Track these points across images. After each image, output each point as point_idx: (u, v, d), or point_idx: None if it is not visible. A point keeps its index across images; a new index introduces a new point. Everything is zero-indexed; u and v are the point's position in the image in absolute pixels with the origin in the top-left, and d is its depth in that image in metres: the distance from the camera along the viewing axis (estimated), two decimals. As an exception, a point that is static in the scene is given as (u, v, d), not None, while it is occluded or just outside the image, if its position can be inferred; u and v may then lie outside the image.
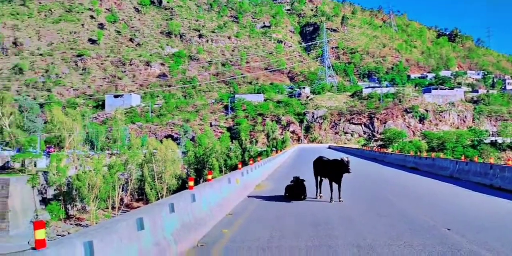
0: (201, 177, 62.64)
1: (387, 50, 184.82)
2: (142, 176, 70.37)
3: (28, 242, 57.82)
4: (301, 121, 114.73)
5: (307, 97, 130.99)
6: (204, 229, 9.12)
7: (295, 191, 14.00)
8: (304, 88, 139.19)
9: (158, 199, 67.98)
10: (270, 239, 8.60)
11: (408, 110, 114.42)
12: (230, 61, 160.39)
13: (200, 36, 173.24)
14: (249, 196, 14.91)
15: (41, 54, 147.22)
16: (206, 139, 76.20)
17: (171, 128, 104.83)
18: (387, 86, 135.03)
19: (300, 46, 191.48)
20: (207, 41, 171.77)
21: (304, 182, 14.10)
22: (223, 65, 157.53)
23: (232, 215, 11.23)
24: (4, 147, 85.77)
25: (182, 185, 62.48)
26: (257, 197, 14.64)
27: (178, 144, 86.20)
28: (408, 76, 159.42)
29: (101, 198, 63.19)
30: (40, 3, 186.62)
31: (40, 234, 4.94)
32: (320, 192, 14.29)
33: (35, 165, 71.89)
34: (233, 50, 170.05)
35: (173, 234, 7.51)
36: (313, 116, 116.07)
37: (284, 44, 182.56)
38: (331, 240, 8.41)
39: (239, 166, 17.99)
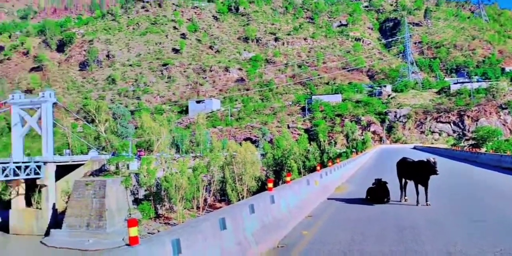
0: (280, 179, 62.97)
1: (477, 42, 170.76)
2: (223, 178, 72.64)
3: (123, 239, 62.54)
4: (382, 121, 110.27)
5: (389, 95, 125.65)
6: (283, 230, 9.18)
7: (377, 193, 13.51)
8: (385, 86, 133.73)
9: (239, 200, 69.61)
10: (351, 242, 8.40)
11: (504, 106, 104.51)
12: (307, 62, 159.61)
13: (276, 39, 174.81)
14: (328, 199, 14.70)
15: (130, 65, 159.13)
16: (284, 141, 76.34)
17: (250, 131, 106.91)
18: (478, 81, 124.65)
19: (380, 43, 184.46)
20: (283, 43, 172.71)
21: (387, 185, 13.57)
22: (299, 66, 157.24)
23: (311, 217, 11.16)
24: (101, 151, 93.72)
25: (262, 187, 63.35)
26: (337, 200, 14.37)
27: (257, 146, 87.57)
28: (503, 69, 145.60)
29: (186, 199, 66.40)
30: (128, 17, 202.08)
31: (134, 231, 5.39)
32: (405, 195, 13.64)
33: (127, 168, 77.49)
34: (309, 51, 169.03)
35: (253, 235, 7.67)
36: (395, 115, 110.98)
37: (363, 42, 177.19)
38: (417, 245, 7.99)
39: (318, 168, 17.80)
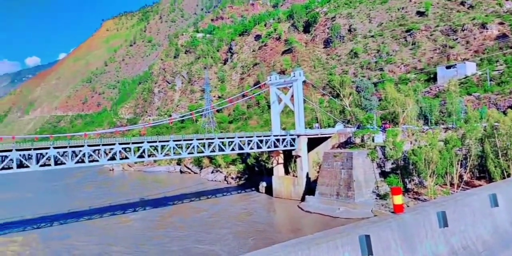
0: None
1: None
2: (482, 152, 64.43)
3: (371, 210, 63.53)
4: None
5: None
6: None
7: None
8: None
9: (503, 178, 59.99)
10: None
11: None
12: None
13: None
14: None
15: (372, 36, 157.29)
16: None
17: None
18: None
19: None
20: None
21: None
22: None
23: None
24: (346, 124, 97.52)
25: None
26: None
27: (528, 115, 72.68)
28: None
29: (438, 174, 61.96)
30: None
31: (398, 199, 5.00)
32: None
33: (373, 140, 78.16)
34: None
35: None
36: None
37: None
38: None
39: None
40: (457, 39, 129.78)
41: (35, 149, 55.87)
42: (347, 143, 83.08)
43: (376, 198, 66.88)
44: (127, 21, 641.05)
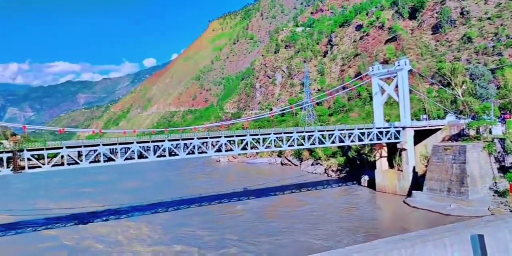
0: None
1: None
2: None
3: (488, 208, 58.26)
4: None
5: None
6: None
7: None
8: None
9: None
10: None
11: None
12: None
13: None
14: None
15: (488, 18, 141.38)
16: None
17: None
18: None
19: None
20: None
21: None
22: None
23: None
24: (459, 115, 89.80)
25: None
26: None
27: None
28: None
29: None
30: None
31: None
32: None
33: (490, 132, 71.11)
34: None
35: None
36: None
37: None
38: None
39: None
40: None
41: (152, 141, 61.92)
42: (459, 136, 76.79)
43: (493, 195, 61.17)
44: (231, 21, 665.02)
